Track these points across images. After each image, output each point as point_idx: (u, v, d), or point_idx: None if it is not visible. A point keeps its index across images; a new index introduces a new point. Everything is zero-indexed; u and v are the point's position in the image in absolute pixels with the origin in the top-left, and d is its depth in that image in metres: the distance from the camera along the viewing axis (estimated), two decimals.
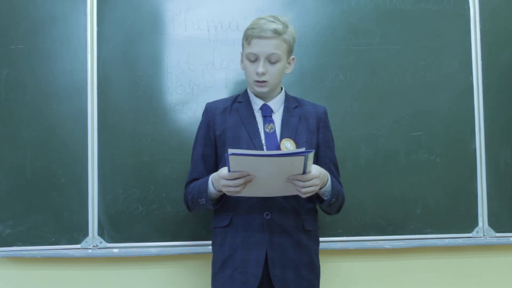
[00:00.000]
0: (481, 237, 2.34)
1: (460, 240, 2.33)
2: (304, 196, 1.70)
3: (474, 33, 2.39)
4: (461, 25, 2.38)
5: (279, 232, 1.79)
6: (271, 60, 1.82)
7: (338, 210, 1.94)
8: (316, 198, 1.84)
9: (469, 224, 2.34)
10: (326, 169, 1.84)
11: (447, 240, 2.32)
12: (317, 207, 1.93)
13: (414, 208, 2.31)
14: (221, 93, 2.22)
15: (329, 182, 1.80)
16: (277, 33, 1.79)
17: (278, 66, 1.83)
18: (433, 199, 2.32)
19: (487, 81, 2.38)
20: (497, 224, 2.35)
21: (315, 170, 1.69)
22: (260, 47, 1.80)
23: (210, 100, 2.01)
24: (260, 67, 1.81)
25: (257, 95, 1.91)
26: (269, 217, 1.79)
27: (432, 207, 2.32)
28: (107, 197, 2.18)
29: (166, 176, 2.18)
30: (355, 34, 2.33)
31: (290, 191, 1.71)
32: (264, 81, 1.83)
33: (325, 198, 1.82)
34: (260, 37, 1.79)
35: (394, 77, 2.33)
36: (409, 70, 2.34)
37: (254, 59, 1.82)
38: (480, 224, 2.34)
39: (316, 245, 1.91)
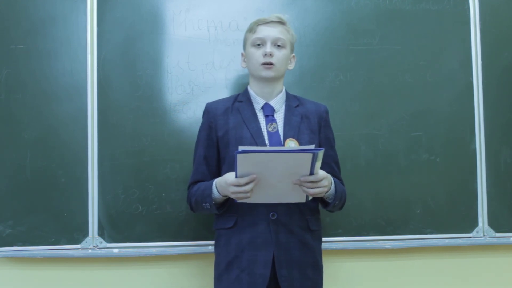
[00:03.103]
0: (481, 237, 2.34)
1: (460, 240, 2.33)
2: (313, 195, 1.69)
3: (474, 33, 2.39)
4: (461, 25, 2.38)
5: (285, 232, 1.79)
6: (277, 43, 1.87)
7: (341, 208, 1.95)
8: (320, 201, 1.85)
9: (469, 224, 2.34)
10: (328, 167, 1.86)
11: (447, 240, 2.32)
12: (319, 207, 1.93)
13: (414, 208, 2.31)
14: (221, 93, 2.22)
15: (333, 186, 1.80)
16: (281, 20, 1.89)
17: (284, 51, 1.89)
18: (433, 199, 2.32)
19: (487, 81, 2.38)
20: (497, 224, 2.35)
21: (322, 172, 1.69)
22: (266, 31, 1.87)
23: (210, 100, 2.02)
24: (268, 47, 1.85)
25: (258, 94, 1.91)
26: (275, 217, 1.79)
27: (432, 207, 2.32)
28: (107, 197, 2.18)
29: (166, 176, 2.18)
30: (355, 34, 2.33)
31: (295, 198, 1.71)
32: (271, 63, 1.85)
33: (329, 201, 1.82)
34: (266, 23, 1.88)
35: (394, 77, 2.34)
36: (409, 70, 2.34)
37: (260, 44, 1.87)
38: (480, 224, 2.34)
39: (320, 245, 1.92)
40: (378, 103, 2.32)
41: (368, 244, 2.28)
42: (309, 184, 1.65)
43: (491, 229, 2.35)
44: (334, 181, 1.82)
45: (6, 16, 2.19)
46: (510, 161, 2.37)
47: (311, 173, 1.63)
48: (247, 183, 1.64)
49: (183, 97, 2.23)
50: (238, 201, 1.71)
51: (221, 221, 1.87)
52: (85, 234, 2.17)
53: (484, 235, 2.34)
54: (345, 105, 2.30)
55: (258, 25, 1.88)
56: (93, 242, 2.17)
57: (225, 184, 1.71)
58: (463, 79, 2.37)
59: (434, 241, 2.31)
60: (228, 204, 1.82)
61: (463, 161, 2.35)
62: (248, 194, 1.66)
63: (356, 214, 2.27)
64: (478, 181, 2.35)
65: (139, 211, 2.19)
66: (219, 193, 1.77)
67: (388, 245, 2.29)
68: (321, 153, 1.60)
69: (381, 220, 2.29)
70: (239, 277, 1.78)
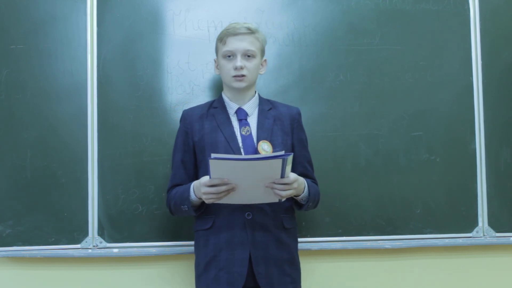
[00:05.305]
0: (481, 237, 2.34)
1: (460, 240, 2.33)
2: (283, 197, 1.73)
3: (474, 33, 2.39)
4: (461, 25, 2.38)
5: (261, 231, 1.85)
6: (247, 54, 1.89)
7: (315, 207, 1.99)
8: (294, 203, 1.91)
9: (469, 224, 2.34)
10: (301, 166, 1.93)
11: (447, 240, 2.32)
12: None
13: (414, 208, 2.31)
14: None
15: (306, 189, 1.86)
16: (250, 30, 1.89)
17: (254, 62, 1.91)
18: (433, 199, 2.32)
19: (487, 81, 2.38)
20: (497, 224, 2.35)
21: (293, 175, 1.74)
22: (236, 44, 1.88)
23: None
24: (238, 61, 1.87)
25: (232, 100, 1.95)
26: (250, 217, 1.84)
27: (432, 207, 2.32)
28: (107, 197, 2.18)
29: (166, 176, 2.17)
30: (355, 34, 2.33)
31: (268, 199, 1.76)
32: (242, 75, 1.88)
33: (303, 203, 1.88)
34: (235, 34, 1.88)
35: (394, 77, 2.33)
36: (409, 70, 2.34)
37: (231, 56, 1.89)
38: (480, 224, 2.34)
39: (295, 242, 1.97)
40: (378, 103, 2.32)
41: (368, 244, 2.28)
42: (280, 187, 1.70)
43: (491, 229, 2.35)
44: (308, 183, 1.87)
45: (6, 16, 2.19)
46: (510, 161, 2.37)
47: (282, 177, 1.68)
48: (219, 185, 1.68)
49: (183, 97, 2.23)
50: (207, 202, 1.75)
51: (199, 223, 1.93)
52: (85, 234, 2.17)
53: (484, 235, 2.34)
54: (345, 105, 2.30)
55: (228, 36, 1.89)
56: (93, 242, 2.17)
57: (199, 184, 1.76)
58: (463, 79, 2.37)
59: (434, 241, 2.31)
60: (204, 206, 1.87)
61: (463, 161, 2.35)
62: (219, 196, 1.70)
63: (356, 214, 2.27)
64: (478, 181, 2.35)
65: (139, 211, 2.19)
66: (195, 195, 1.82)
67: (388, 245, 2.29)
68: (290, 158, 1.65)
69: (381, 220, 2.29)
70: (217, 276, 1.84)
